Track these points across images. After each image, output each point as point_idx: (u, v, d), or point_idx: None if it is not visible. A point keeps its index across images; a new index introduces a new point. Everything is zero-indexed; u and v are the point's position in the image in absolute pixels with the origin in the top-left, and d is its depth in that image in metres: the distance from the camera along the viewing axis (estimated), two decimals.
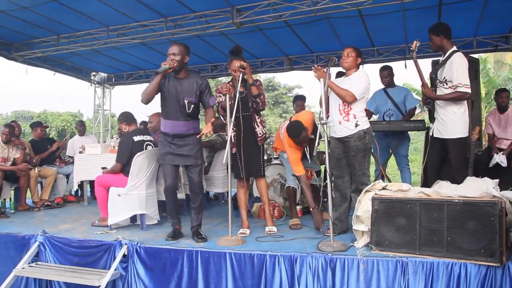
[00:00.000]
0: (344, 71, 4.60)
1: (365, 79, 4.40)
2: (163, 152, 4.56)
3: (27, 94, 59.24)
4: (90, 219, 5.64)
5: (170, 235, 4.54)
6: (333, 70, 4.41)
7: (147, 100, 4.42)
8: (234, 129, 4.70)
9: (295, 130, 4.83)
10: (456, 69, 4.33)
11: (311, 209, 4.89)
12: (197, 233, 4.48)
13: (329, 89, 4.30)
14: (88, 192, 7.64)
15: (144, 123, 7.41)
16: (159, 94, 4.48)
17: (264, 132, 4.86)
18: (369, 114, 6.66)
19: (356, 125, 4.34)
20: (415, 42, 4.45)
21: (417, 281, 3.37)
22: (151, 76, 4.09)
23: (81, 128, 8.86)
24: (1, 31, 7.24)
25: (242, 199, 4.94)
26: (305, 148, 5.02)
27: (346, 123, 4.36)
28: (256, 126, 4.78)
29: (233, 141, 4.70)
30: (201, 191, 4.68)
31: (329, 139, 4.74)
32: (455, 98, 4.37)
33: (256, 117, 4.80)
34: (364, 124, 4.39)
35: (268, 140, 6.77)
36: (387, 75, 6.52)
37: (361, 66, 8.59)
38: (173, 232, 4.58)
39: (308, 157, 4.99)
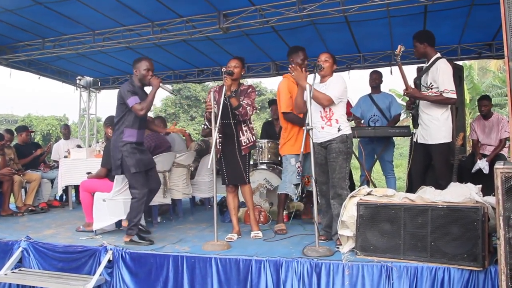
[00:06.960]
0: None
1: (342, 83, 4.42)
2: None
3: (11, 98, 58.53)
4: (75, 224, 5.59)
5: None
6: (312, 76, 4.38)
7: None
8: (220, 135, 4.72)
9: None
10: (442, 76, 4.39)
11: None
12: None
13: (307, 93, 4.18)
14: (73, 197, 7.57)
15: None
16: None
17: (252, 140, 4.85)
18: (358, 120, 6.72)
19: (339, 130, 4.34)
20: (399, 46, 4.49)
21: (401, 286, 3.39)
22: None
23: (66, 131, 8.81)
24: None
25: (231, 204, 4.93)
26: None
27: (329, 128, 4.36)
28: (241, 135, 4.76)
29: (218, 147, 4.71)
30: None
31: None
32: (441, 101, 4.42)
33: (243, 125, 4.78)
34: (347, 129, 4.40)
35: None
36: (378, 77, 6.63)
37: (347, 72, 8.74)
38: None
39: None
